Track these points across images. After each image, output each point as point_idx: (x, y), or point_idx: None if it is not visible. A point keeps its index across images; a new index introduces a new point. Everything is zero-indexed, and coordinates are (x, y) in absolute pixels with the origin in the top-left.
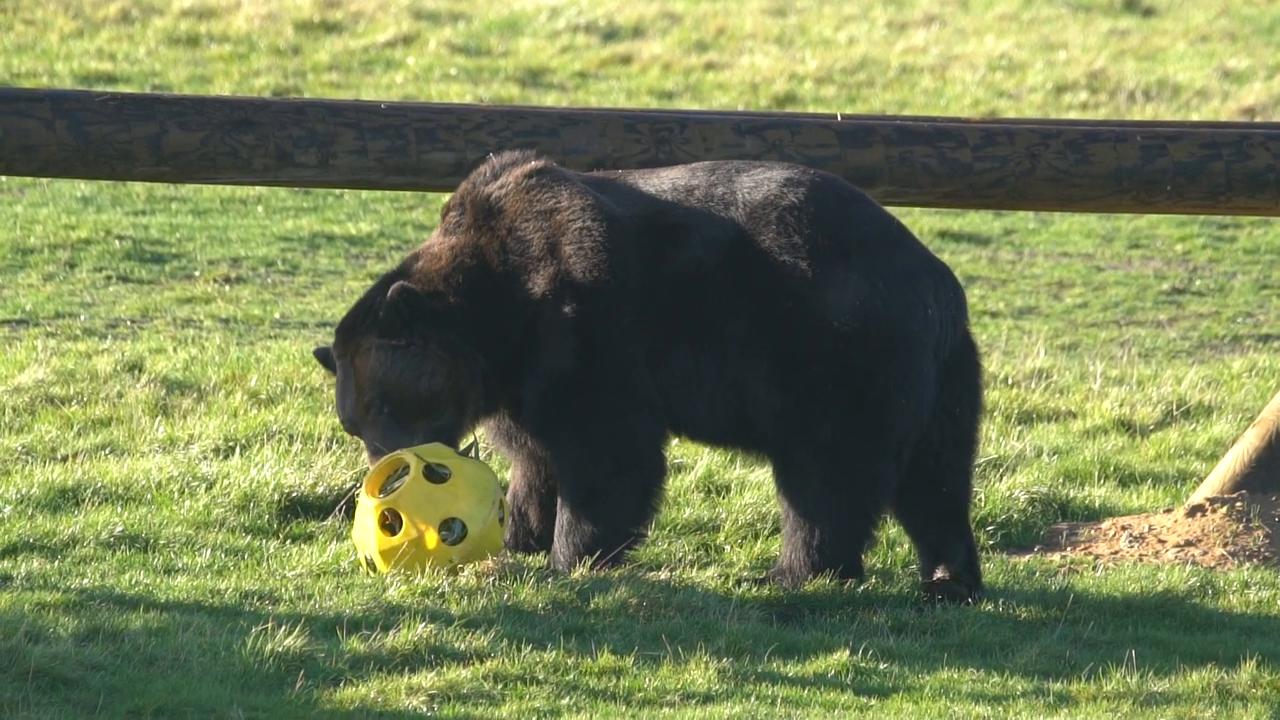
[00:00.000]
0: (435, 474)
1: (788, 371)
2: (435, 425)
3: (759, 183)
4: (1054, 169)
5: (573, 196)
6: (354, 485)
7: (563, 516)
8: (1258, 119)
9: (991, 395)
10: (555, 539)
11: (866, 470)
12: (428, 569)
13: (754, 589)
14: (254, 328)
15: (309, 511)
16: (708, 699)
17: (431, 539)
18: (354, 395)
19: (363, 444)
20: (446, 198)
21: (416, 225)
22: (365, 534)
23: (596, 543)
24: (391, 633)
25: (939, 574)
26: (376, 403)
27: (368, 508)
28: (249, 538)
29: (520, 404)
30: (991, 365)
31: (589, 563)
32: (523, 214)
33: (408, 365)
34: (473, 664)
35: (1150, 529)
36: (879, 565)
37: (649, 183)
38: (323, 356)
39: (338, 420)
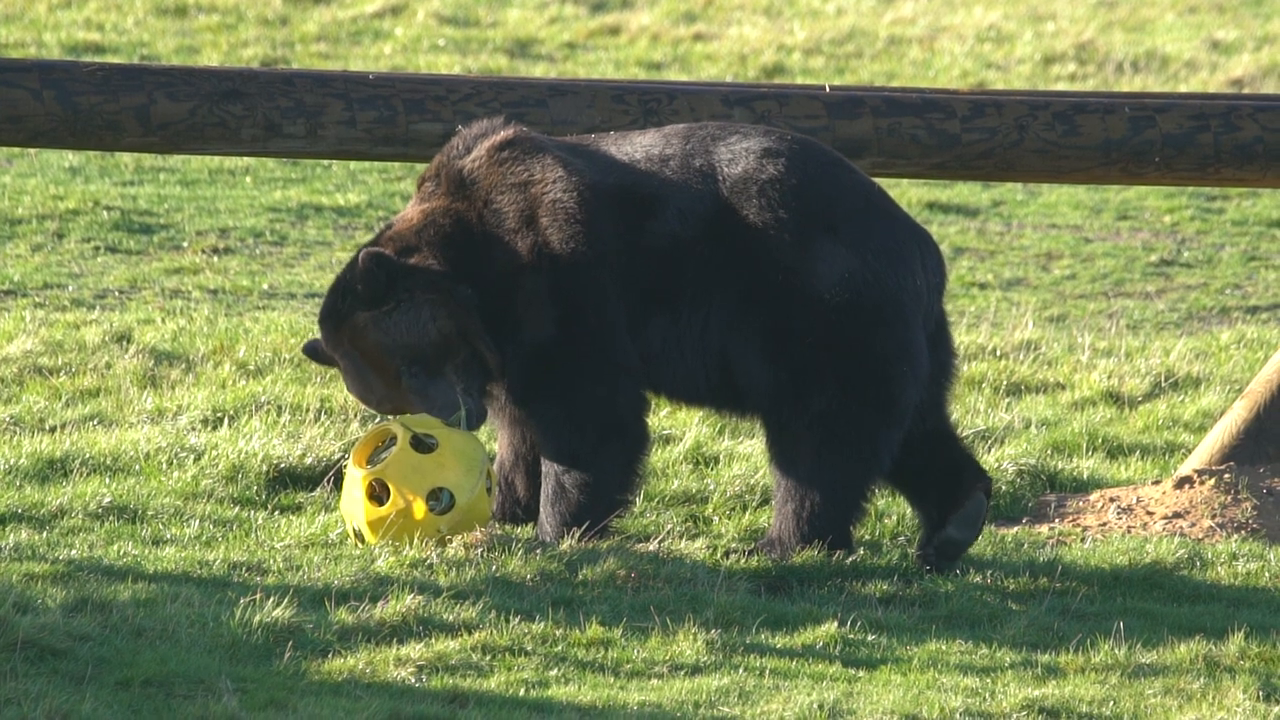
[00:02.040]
0: (422, 444)
1: (782, 344)
2: (457, 363)
3: (737, 154)
4: (1042, 140)
5: (546, 168)
6: (342, 456)
7: (547, 486)
8: (1246, 90)
9: (980, 367)
10: (541, 509)
11: (869, 441)
12: (416, 539)
13: (742, 560)
14: (242, 298)
15: (297, 482)
16: (696, 670)
17: (419, 509)
18: (375, 376)
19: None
20: None
21: (404, 196)
22: (353, 505)
23: (583, 512)
24: (380, 604)
25: (976, 485)
26: (405, 368)
27: (355, 478)
28: (237, 509)
29: (501, 372)
30: (980, 337)
31: (577, 533)
32: (497, 187)
33: (410, 322)
34: (461, 635)
35: (1138, 501)
36: (867, 537)
37: (624, 149)
38: (312, 351)
39: (364, 407)
